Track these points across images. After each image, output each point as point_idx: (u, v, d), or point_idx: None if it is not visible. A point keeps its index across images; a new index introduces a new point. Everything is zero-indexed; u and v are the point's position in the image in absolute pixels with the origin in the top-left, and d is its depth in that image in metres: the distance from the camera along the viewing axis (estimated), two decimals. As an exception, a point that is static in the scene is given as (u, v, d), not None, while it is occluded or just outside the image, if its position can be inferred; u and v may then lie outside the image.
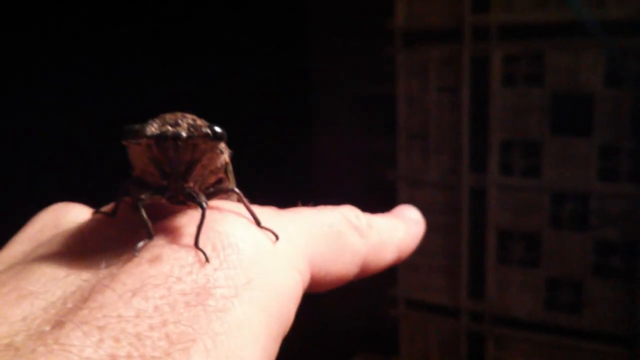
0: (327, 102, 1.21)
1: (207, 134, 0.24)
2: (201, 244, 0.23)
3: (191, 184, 0.26)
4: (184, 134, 0.24)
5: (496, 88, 0.98)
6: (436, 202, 1.08)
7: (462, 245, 1.06)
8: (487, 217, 1.03)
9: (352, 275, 0.29)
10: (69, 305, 0.21)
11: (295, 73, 1.20)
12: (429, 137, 1.06)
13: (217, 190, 0.27)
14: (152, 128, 0.24)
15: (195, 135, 0.24)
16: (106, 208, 0.28)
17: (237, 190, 0.27)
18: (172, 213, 0.26)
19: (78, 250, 0.25)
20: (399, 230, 0.33)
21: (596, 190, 0.95)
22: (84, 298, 0.21)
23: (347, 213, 0.30)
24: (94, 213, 0.28)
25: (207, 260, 0.22)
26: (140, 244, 0.23)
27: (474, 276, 1.07)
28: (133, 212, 0.26)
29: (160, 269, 0.21)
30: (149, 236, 0.23)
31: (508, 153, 1.00)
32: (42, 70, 0.84)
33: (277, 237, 0.25)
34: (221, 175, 0.28)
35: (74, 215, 0.29)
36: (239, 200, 0.26)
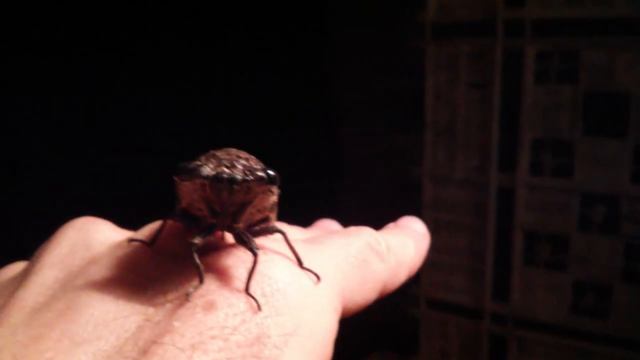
0: (353, 97, 1.19)
1: (262, 178, 0.24)
2: (251, 290, 0.23)
3: (241, 225, 0.26)
4: (239, 177, 0.24)
5: (528, 85, 0.96)
6: (462, 200, 1.06)
7: (487, 245, 1.04)
8: (515, 217, 1.01)
9: (372, 301, 0.29)
10: (129, 359, 0.21)
11: (319, 68, 1.19)
12: (456, 133, 1.04)
13: (262, 230, 0.27)
14: (208, 169, 0.24)
15: (250, 179, 0.24)
16: (141, 235, 0.28)
17: (282, 230, 0.27)
18: (217, 251, 0.26)
19: (121, 286, 0.24)
20: (410, 248, 0.33)
21: (628, 193, 0.93)
22: (143, 350, 0.21)
23: (369, 238, 0.30)
24: (130, 241, 0.27)
25: (259, 308, 0.23)
26: (191, 288, 0.23)
27: (499, 277, 1.05)
28: (173, 242, 0.27)
29: (215, 318, 0.22)
30: (201, 280, 0.23)
31: (538, 152, 0.98)
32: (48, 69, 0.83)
33: (318, 279, 0.25)
34: (267, 213, 0.28)
35: (103, 235, 0.29)
36: (285, 240, 0.26)
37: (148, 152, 0.89)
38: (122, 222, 0.31)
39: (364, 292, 0.29)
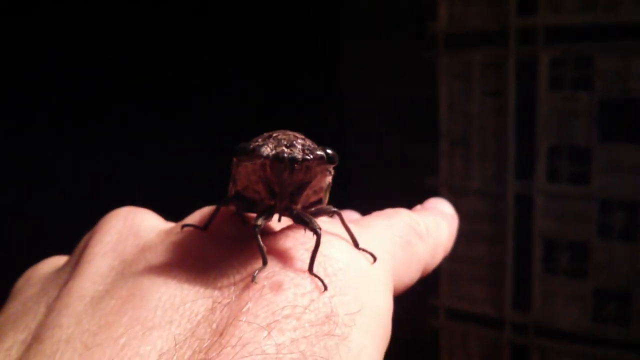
0: (366, 107, 1.19)
1: (321, 157, 0.25)
2: (314, 270, 0.23)
3: (299, 206, 0.26)
4: (299, 157, 0.24)
5: (543, 92, 0.96)
6: (480, 209, 1.05)
7: (506, 254, 1.03)
8: (533, 225, 1.00)
9: (416, 281, 0.30)
10: (206, 341, 0.21)
11: (332, 78, 1.19)
12: (471, 142, 1.04)
13: (318, 211, 0.27)
14: (268, 148, 0.24)
15: (310, 158, 0.24)
16: (191, 220, 0.28)
17: (338, 211, 0.27)
18: (273, 233, 0.26)
19: (182, 270, 0.24)
20: (443, 229, 0.34)
21: (647, 198, 0.92)
22: (218, 331, 0.21)
23: (409, 220, 0.30)
24: (183, 226, 0.28)
25: (325, 288, 0.23)
26: (256, 271, 0.23)
27: (519, 286, 1.04)
28: (226, 226, 0.27)
29: (285, 298, 0.22)
30: (264, 262, 0.23)
31: (555, 159, 0.97)
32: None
33: (375, 259, 0.26)
34: (322, 195, 0.28)
35: (149, 223, 0.29)
36: (341, 221, 0.27)
37: (154, 152, 0.90)
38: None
39: (410, 272, 0.29)
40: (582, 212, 0.96)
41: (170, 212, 0.32)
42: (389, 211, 0.31)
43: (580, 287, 0.99)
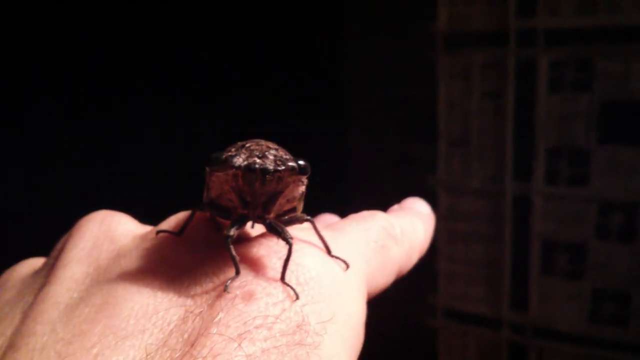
0: (365, 106, 1.19)
1: (293, 168, 0.25)
2: (286, 279, 0.24)
3: (272, 215, 0.26)
4: (271, 167, 0.24)
5: (542, 94, 0.96)
6: (478, 210, 1.06)
7: (504, 255, 1.04)
8: (531, 226, 1.01)
9: (390, 284, 0.30)
10: (178, 351, 0.21)
11: (333, 77, 1.19)
12: (470, 143, 1.04)
13: (292, 219, 0.28)
14: (240, 159, 0.24)
15: (282, 169, 0.24)
16: (167, 226, 0.28)
17: (311, 219, 0.27)
18: (247, 241, 0.26)
19: (156, 278, 0.24)
20: (420, 230, 0.34)
21: (645, 200, 0.92)
22: (189, 342, 0.21)
23: (384, 223, 0.30)
24: (158, 232, 0.28)
25: (297, 297, 0.23)
26: (229, 280, 0.23)
27: (517, 287, 1.04)
28: (201, 232, 0.27)
29: (257, 308, 0.22)
30: (237, 272, 0.24)
31: (554, 161, 0.97)
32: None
33: (347, 266, 0.26)
34: (295, 204, 0.28)
35: (125, 227, 0.29)
36: (314, 229, 0.27)
37: (149, 151, 0.89)
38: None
39: (384, 276, 0.29)
40: (581, 214, 0.97)
41: (147, 214, 0.32)
42: (364, 214, 0.31)
43: (578, 288, 0.99)
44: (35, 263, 0.30)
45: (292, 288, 0.23)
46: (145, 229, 0.29)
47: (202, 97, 0.98)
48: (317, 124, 1.09)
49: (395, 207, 0.36)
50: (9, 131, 0.77)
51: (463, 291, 1.10)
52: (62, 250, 0.28)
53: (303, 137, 1.07)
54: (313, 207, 0.32)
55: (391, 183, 1.15)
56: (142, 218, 0.31)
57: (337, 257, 0.26)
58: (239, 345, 0.21)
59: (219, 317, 0.22)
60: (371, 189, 1.17)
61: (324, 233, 0.27)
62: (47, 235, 0.33)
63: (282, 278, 0.24)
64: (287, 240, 0.25)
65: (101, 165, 0.86)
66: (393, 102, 1.15)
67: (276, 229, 0.26)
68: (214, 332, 0.21)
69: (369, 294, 0.28)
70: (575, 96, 0.94)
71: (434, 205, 1.10)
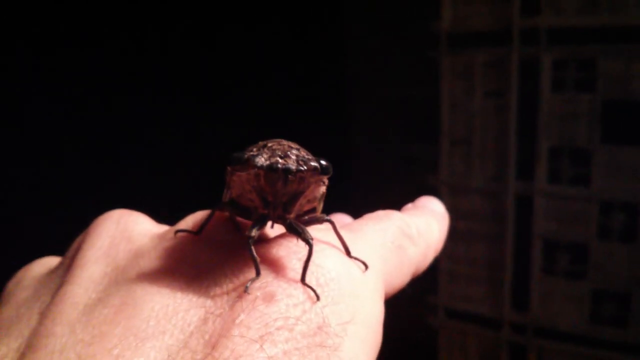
0: (367, 106, 1.19)
1: (315, 168, 0.25)
2: (306, 280, 0.24)
3: (292, 215, 0.26)
4: (294, 168, 0.24)
5: (545, 93, 0.96)
6: (480, 209, 1.05)
7: (506, 254, 1.04)
8: (533, 226, 1.00)
9: (406, 284, 0.30)
10: (199, 353, 0.21)
11: (335, 76, 1.19)
12: (473, 142, 1.04)
13: (311, 219, 0.27)
14: (262, 159, 0.24)
15: (304, 169, 0.24)
16: (185, 225, 0.28)
17: (331, 220, 0.27)
18: (266, 242, 0.26)
19: (175, 278, 0.24)
20: (435, 230, 0.34)
21: (647, 200, 0.92)
22: (211, 343, 0.21)
23: (400, 223, 0.30)
24: (177, 232, 0.27)
25: (317, 298, 0.23)
26: (249, 281, 0.23)
27: (518, 287, 1.04)
28: (220, 232, 0.27)
29: (277, 309, 0.22)
30: (258, 273, 0.24)
31: (556, 160, 0.97)
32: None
33: (366, 267, 0.26)
34: (315, 204, 0.28)
35: (142, 227, 0.29)
36: (333, 229, 0.27)
37: (157, 151, 0.90)
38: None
39: (401, 276, 0.29)
40: (582, 214, 0.97)
41: (163, 214, 0.32)
42: (380, 214, 0.31)
43: (579, 288, 0.99)
44: (50, 262, 0.30)
45: (312, 289, 0.23)
46: (162, 228, 0.29)
47: (205, 98, 0.98)
48: (319, 124, 1.09)
49: (410, 205, 0.36)
50: (12, 129, 0.78)
51: (464, 291, 1.10)
52: (78, 249, 0.28)
53: (305, 137, 1.07)
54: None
55: (393, 182, 1.15)
56: (156, 217, 0.31)
57: (356, 258, 0.26)
58: (261, 346, 0.21)
59: (240, 319, 0.22)
60: (373, 188, 1.17)
61: (344, 234, 0.27)
62: (60, 233, 0.33)
63: (303, 279, 0.24)
64: (308, 241, 0.25)
65: (114, 165, 0.86)
66: (395, 102, 1.15)
67: (296, 229, 0.25)
68: (236, 333, 0.21)
69: (386, 294, 0.27)
70: (577, 96, 0.94)
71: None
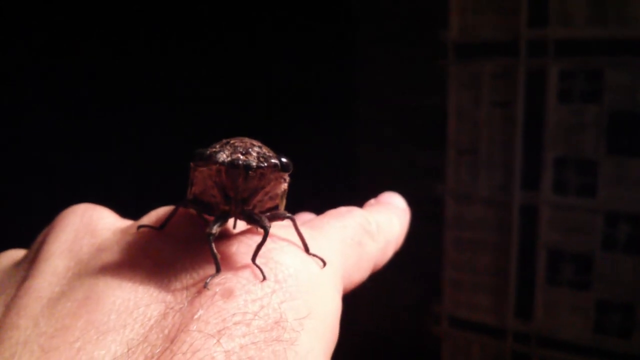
0: (374, 113, 1.20)
1: (275, 165, 0.26)
2: (266, 276, 0.24)
3: (255, 211, 0.27)
4: (254, 164, 0.25)
5: (552, 104, 0.96)
6: (485, 218, 1.06)
7: (510, 264, 1.04)
8: (538, 236, 1.01)
9: (365, 279, 0.31)
10: (158, 347, 0.21)
11: (341, 82, 1.19)
12: (479, 151, 1.04)
13: (273, 216, 0.28)
14: (224, 155, 0.25)
15: (264, 165, 0.25)
16: (147, 220, 0.29)
17: (292, 216, 0.28)
18: (227, 239, 0.27)
19: (137, 273, 0.25)
20: (395, 226, 0.34)
21: (653, 212, 0.92)
22: (170, 338, 0.22)
23: (361, 220, 0.31)
24: (139, 227, 0.28)
25: (264, 277, 0.24)
26: (209, 277, 0.24)
27: (522, 296, 1.04)
28: (182, 227, 0.28)
29: (236, 305, 0.23)
30: (217, 269, 0.24)
31: (562, 171, 0.97)
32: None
33: (324, 264, 0.26)
34: (277, 201, 0.29)
35: (106, 221, 0.29)
36: (294, 226, 0.27)
37: (146, 148, 0.89)
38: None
39: (360, 271, 0.30)
40: (587, 224, 0.97)
41: (128, 209, 0.32)
42: (341, 210, 0.32)
43: (583, 299, 0.99)
44: (15, 255, 0.30)
45: (260, 269, 0.24)
46: (126, 223, 0.30)
47: (209, 99, 0.98)
48: (327, 130, 1.09)
49: (372, 201, 0.37)
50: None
51: (468, 299, 1.10)
52: (43, 243, 0.28)
53: (313, 142, 1.07)
54: (321, 212, 0.33)
55: (399, 190, 1.15)
56: (120, 212, 0.31)
57: (314, 255, 0.27)
58: (218, 341, 0.21)
59: (199, 314, 0.22)
60: (378, 194, 1.17)
61: (302, 230, 0.28)
62: (24, 227, 0.34)
63: (253, 259, 0.25)
64: (264, 226, 0.26)
65: (78, 160, 0.85)
66: (402, 110, 1.15)
67: (254, 218, 0.26)
68: (194, 328, 0.22)
69: (344, 290, 0.28)
70: (584, 107, 0.94)
71: (442, 213, 1.11)
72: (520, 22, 0.97)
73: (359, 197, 0.37)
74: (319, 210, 0.34)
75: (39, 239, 0.29)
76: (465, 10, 1.02)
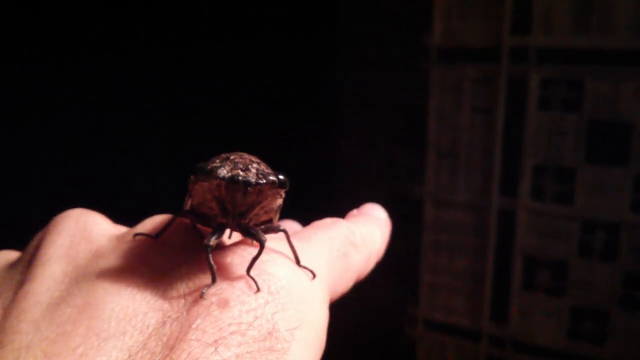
0: (355, 114, 1.20)
1: (273, 182, 0.26)
2: (260, 287, 0.25)
3: (250, 224, 0.28)
4: (253, 180, 0.26)
5: (532, 111, 0.97)
6: (463, 223, 1.06)
7: (487, 268, 1.05)
8: (515, 241, 1.01)
9: (349, 289, 0.32)
10: (158, 354, 0.22)
11: (323, 84, 1.20)
12: (459, 156, 1.05)
13: (267, 228, 0.29)
14: (224, 170, 0.26)
15: (263, 182, 0.26)
16: (143, 228, 0.29)
17: (285, 230, 0.29)
18: (223, 250, 0.28)
19: (134, 280, 0.25)
20: (377, 237, 0.35)
21: (628, 221, 0.93)
22: (168, 345, 0.22)
23: (346, 231, 0.32)
24: (135, 235, 0.28)
25: (258, 288, 0.25)
26: (205, 287, 0.25)
27: (497, 300, 1.05)
28: (178, 236, 0.28)
29: (231, 315, 0.24)
30: (213, 279, 0.25)
31: (540, 177, 0.98)
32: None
33: (314, 275, 0.28)
34: (272, 215, 0.30)
35: (101, 227, 0.30)
36: (287, 239, 0.28)
37: (139, 152, 0.89)
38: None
39: (344, 282, 0.31)
40: (564, 231, 0.98)
41: (117, 214, 0.32)
42: (327, 222, 0.33)
43: (558, 304, 1.00)
44: (8, 256, 0.30)
45: (254, 280, 0.25)
46: (120, 229, 0.30)
47: (192, 103, 0.98)
48: (308, 130, 1.09)
49: (355, 212, 0.38)
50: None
51: (444, 302, 1.10)
52: (39, 247, 0.28)
53: (294, 141, 1.07)
54: (303, 211, 0.33)
55: (378, 191, 1.16)
56: (111, 218, 0.31)
57: (305, 267, 0.27)
58: (215, 349, 0.22)
59: (196, 323, 0.23)
60: (358, 195, 1.17)
61: (297, 243, 0.28)
62: (17, 229, 0.33)
63: (248, 271, 0.25)
64: (261, 240, 0.26)
65: (70, 164, 0.85)
66: (384, 111, 1.15)
67: (251, 232, 0.27)
68: (192, 337, 0.22)
69: (330, 300, 0.29)
70: (564, 115, 0.95)
71: (420, 216, 1.11)
72: (503, 29, 0.97)
73: (340, 197, 0.38)
74: (300, 209, 0.34)
75: (34, 242, 0.30)
76: (448, 15, 1.02)
